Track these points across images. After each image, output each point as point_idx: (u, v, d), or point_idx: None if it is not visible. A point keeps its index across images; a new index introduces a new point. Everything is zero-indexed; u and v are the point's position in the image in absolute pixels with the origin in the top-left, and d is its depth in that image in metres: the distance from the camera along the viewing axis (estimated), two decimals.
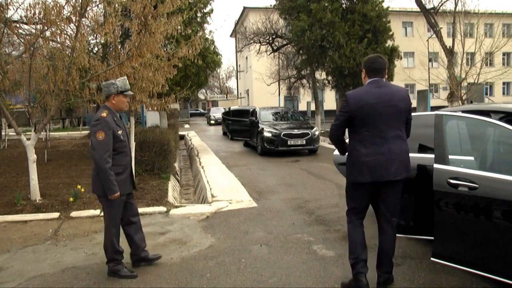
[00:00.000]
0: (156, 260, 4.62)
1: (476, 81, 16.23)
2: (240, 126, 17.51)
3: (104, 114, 4.18)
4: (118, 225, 4.36)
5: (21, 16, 8.21)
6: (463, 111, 4.46)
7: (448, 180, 3.58)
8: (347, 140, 3.95)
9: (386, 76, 3.85)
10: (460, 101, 16.44)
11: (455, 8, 20.94)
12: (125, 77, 4.53)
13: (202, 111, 60.07)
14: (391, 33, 18.57)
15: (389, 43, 18.62)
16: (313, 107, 25.55)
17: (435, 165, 3.71)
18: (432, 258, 3.75)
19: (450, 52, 21.42)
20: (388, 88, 3.69)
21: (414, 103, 22.36)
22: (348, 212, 3.91)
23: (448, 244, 3.66)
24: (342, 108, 3.71)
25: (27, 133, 10.34)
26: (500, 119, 4.10)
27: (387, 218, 3.76)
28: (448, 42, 22.30)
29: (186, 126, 36.57)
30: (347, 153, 3.85)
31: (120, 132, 4.24)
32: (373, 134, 3.59)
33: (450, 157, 3.74)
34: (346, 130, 3.79)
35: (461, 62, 16.23)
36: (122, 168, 4.26)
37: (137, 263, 4.56)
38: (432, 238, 3.81)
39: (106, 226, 4.33)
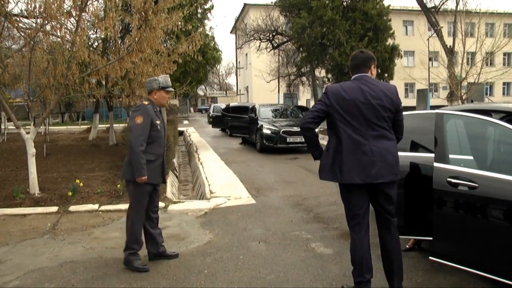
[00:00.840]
0: (173, 258, 4.61)
1: (476, 81, 16.24)
2: (239, 122, 17.54)
3: (146, 103, 4.41)
4: (141, 214, 4.40)
5: (21, 10, 8.20)
6: (464, 110, 4.46)
7: (448, 179, 3.57)
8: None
9: (374, 73, 3.63)
10: (460, 101, 16.45)
11: (456, 7, 20.95)
12: (167, 75, 4.80)
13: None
14: (391, 31, 18.57)
15: (390, 41, 18.62)
16: (312, 105, 25.52)
17: (435, 164, 3.70)
18: (430, 257, 3.75)
19: (450, 52, 21.43)
20: (372, 84, 3.46)
21: (413, 102, 22.35)
22: (351, 224, 3.57)
23: (447, 243, 3.66)
24: (321, 99, 3.55)
25: (27, 127, 10.32)
26: (500, 119, 4.10)
27: (388, 223, 3.56)
28: (448, 41, 22.31)
29: (185, 122, 36.55)
30: (325, 152, 3.61)
31: (158, 122, 4.40)
32: (353, 133, 3.38)
33: (450, 156, 3.74)
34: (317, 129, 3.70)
35: (462, 62, 16.23)
36: (155, 157, 4.38)
37: (156, 259, 4.57)
38: (430, 238, 3.81)
39: (129, 214, 4.42)
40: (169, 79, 4.66)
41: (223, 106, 24.91)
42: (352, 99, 3.38)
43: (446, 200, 3.62)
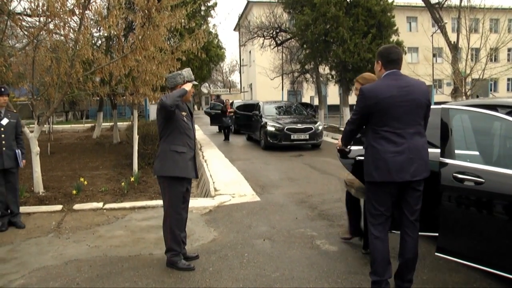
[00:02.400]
0: (193, 259, 4.52)
1: (481, 76, 16.15)
2: (246, 120, 17.60)
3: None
4: (178, 212, 4.32)
5: (24, 8, 8.20)
6: (469, 105, 4.42)
7: (454, 174, 3.54)
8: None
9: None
10: (464, 97, 16.37)
11: (460, 3, 20.80)
12: (189, 68, 4.59)
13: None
14: (395, 28, 18.47)
15: (394, 38, 18.53)
16: (316, 102, 25.50)
17: (441, 159, 3.67)
18: (436, 253, 3.72)
19: (454, 48, 21.30)
20: (407, 80, 3.45)
21: None
22: (372, 223, 3.50)
23: (452, 239, 3.63)
24: (358, 103, 3.48)
25: (30, 125, 10.33)
26: (507, 114, 4.06)
27: (411, 223, 3.51)
28: (452, 37, 22.17)
29: None
30: (364, 152, 3.55)
31: (183, 113, 4.32)
32: (391, 131, 3.34)
33: (456, 151, 3.70)
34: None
35: (466, 58, 16.14)
36: (186, 148, 4.29)
37: None
38: (435, 234, 3.78)
39: (166, 213, 4.33)
40: (192, 73, 4.55)
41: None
42: (390, 97, 3.34)
43: (452, 195, 3.59)
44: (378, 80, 3.58)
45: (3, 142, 5.73)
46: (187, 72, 4.43)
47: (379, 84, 3.46)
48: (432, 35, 25.08)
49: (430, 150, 3.94)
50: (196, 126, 22.07)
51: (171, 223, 4.28)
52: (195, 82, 4.55)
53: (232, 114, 17.99)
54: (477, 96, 15.44)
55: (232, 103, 22.53)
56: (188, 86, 4.28)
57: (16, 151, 5.86)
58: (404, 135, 3.35)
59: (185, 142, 4.29)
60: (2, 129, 5.76)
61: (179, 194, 4.29)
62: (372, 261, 3.50)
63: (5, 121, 5.80)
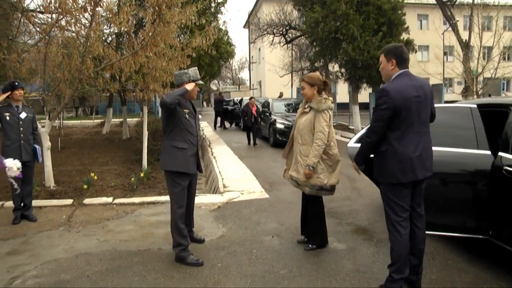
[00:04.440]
0: (200, 243, 4.83)
1: (493, 75, 16.00)
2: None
3: None
4: (180, 205, 4.42)
5: (37, 5, 8.27)
6: (482, 105, 4.42)
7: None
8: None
9: None
10: (475, 96, 16.23)
11: (473, 0, 20.60)
12: (196, 67, 4.76)
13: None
14: (406, 26, 18.32)
15: (404, 36, 18.38)
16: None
17: (502, 154, 3.93)
18: (504, 245, 3.84)
19: (466, 46, 21.12)
20: (418, 80, 3.49)
21: None
22: (397, 221, 3.46)
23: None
24: (383, 104, 3.33)
25: (42, 121, 10.42)
26: None
27: (419, 215, 3.59)
28: (464, 35, 21.97)
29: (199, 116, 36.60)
30: (383, 154, 3.45)
31: (185, 110, 4.45)
32: (411, 130, 3.37)
33: None
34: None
35: (478, 56, 16.00)
36: (187, 145, 4.43)
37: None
38: (482, 237, 4.00)
39: (171, 208, 4.45)
40: (198, 72, 4.71)
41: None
42: (410, 97, 3.34)
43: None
44: (395, 79, 3.49)
45: (22, 135, 5.82)
46: (193, 71, 4.59)
47: (400, 83, 3.41)
48: (443, 33, 24.91)
49: (478, 151, 4.15)
50: (205, 123, 22.17)
51: (175, 217, 4.38)
52: (201, 82, 4.71)
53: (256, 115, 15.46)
54: (489, 95, 15.29)
55: (241, 100, 22.55)
56: (189, 86, 4.42)
57: (36, 146, 5.97)
58: (421, 134, 3.43)
59: (186, 138, 4.42)
60: (21, 122, 5.85)
61: (180, 188, 4.40)
62: (397, 259, 3.48)
63: (23, 115, 5.89)
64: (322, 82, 4.55)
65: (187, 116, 4.45)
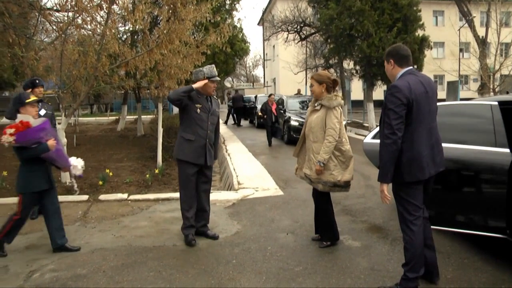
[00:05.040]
0: (214, 239, 4.95)
1: (511, 72, 15.76)
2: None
3: None
4: (185, 192, 4.86)
5: (54, 4, 8.36)
6: (503, 102, 4.36)
7: None
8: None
9: None
10: (492, 93, 16.01)
11: None
12: (213, 65, 5.06)
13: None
14: (421, 22, 18.12)
15: (419, 32, 18.18)
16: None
17: None
18: None
19: (483, 42, 20.80)
20: (424, 76, 3.52)
21: (443, 95, 21.71)
22: (412, 219, 3.44)
23: None
24: (397, 101, 3.27)
25: (57, 117, 10.54)
26: None
27: (424, 210, 3.59)
28: (481, 31, 21.65)
29: None
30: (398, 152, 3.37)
31: (197, 105, 4.79)
32: (424, 127, 3.37)
33: None
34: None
35: (496, 53, 15.76)
36: (195, 136, 4.79)
37: (197, 235, 4.98)
38: (500, 236, 3.93)
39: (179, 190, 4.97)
40: (215, 69, 4.95)
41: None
42: (420, 93, 3.36)
43: None
44: (401, 77, 3.46)
45: None
46: (207, 69, 4.87)
47: (410, 80, 3.38)
48: (459, 30, 24.58)
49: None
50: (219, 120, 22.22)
51: (181, 201, 4.92)
52: (216, 78, 4.92)
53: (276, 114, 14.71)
54: (507, 92, 15.06)
55: (255, 97, 22.53)
56: (198, 84, 4.73)
57: None
58: (431, 130, 3.46)
59: (195, 131, 4.79)
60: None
61: (186, 176, 4.81)
62: (411, 258, 3.46)
63: (43, 112, 5.97)
64: (331, 80, 4.57)
65: (198, 110, 4.78)
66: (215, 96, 5.24)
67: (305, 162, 4.70)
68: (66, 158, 4.65)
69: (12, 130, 4.04)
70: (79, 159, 4.65)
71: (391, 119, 3.29)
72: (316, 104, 4.63)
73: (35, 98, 4.51)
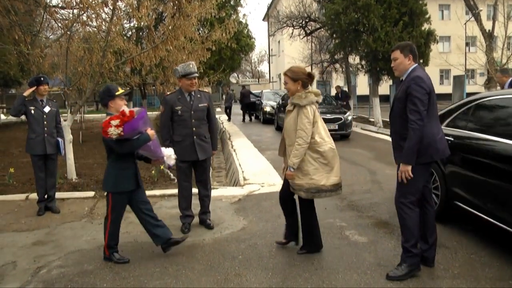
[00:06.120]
0: (208, 228, 5.18)
1: None
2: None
3: (168, 93, 5.38)
4: (182, 184, 5.17)
5: (59, 1, 8.39)
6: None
7: None
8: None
9: None
10: (499, 87, 15.86)
11: None
12: (189, 62, 5.12)
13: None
14: (427, 16, 17.99)
15: (426, 26, 18.04)
16: (344, 91, 25.18)
17: None
18: None
19: (489, 36, 20.59)
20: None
21: (449, 89, 21.55)
22: (413, 200, 3.73)
23: None
24: (422, 90, 3.57)
25: (63, 114, 10.60)
26: None
27: (429, 189, 4.00)
28: (487, 25, 21.44)
29: (218, 109, 36.74)
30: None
31: (178, 108, 4.96)
32: (435, 115, 3.78)
33: None
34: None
35: (503, 47, 15.61)
36: (181, 137, 5.01)
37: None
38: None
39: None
40: (191, 66, 4.96)
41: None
42: (432, 85, 3.70)
43: None
44: (415, 70, 3.74)
45: (46, 129, 5.93)
46: (181, 67, 4.97)
47: (424, 73, 3.71)
48: (465, 23, 24.38)
49: None
50: (224, 116, 22.10)
51: (178, 193, 5.26)
52: (192, 75, 4.94)
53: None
54: None
55: (261, 92, 22.45)
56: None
57: (59, 140, 6.08)
58: (437, 117, 3.85)
59: (180, 132, 5.02)
60: (45, 116, 5.96)
61: (181, 171, 5.14)
62: (411, 235, 3.74)
63: (47, 109, 6.00)
64: (306, 76, 4.18)
65: (179, 112, 4.97)
66: (207, 90, 5.56)
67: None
68: (159, 149, 4.41)
69: (117, 122, 3.79)
70: (169, 148, 4.56)
71: (419, 106, 3.57)
72: (289, 104, 4.25)
73: (122, 90, 4.32)
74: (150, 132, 4.09)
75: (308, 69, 22.80)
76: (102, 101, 4.28)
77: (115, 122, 3.78)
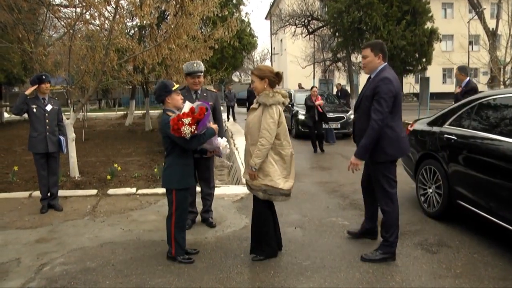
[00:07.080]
0: (210, 226, 5.17)
1: None
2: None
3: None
4: None
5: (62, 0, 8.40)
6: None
7: None
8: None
9: None
10: (502, 86, 15.84)
11: None
12: (194, 61, 5.20)
13: None
14: (430, 14, 17.98)
15: (428, 25, 18.05)
16: (345, 89, 25.14)
17: None
18: None
19: (493, 35, 20.57)
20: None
21: (451, 88, 21.53)
22: (392, 193, 4.07)
23: None
24: (389, 92, 3.81)
25: (66, 113, 10.62)
26: None
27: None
28: (491, 24, 21.39)
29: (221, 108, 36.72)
30: (383, 136, 3.94)
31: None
32: (400, 115, 3.98)
33: None
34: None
35: (506, 45, 15.57)
36: None
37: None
38: None
39: None
40: (195, 64, 5.02)
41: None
42: (399, 86, 3.90)
43: None
44: (384, 70, 3.96)
45: (48, 127, 5.93)
46: (185, 66, 5.09)
47: (392, 73, 3.91)
48: (468, 22, 24.34)
49: None
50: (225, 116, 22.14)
51: None
52: (195, 74, 5.00)
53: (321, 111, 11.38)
54: None
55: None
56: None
57: (61, 138, 6.08)
58: (401, 118, 4.08)
59: None
60: (47, 114, 5.97)
61: None
62: (393, 227, 4.11)
63: (49, 107, 6.00)
64: (273, 74, 4.07)
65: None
66: (213, 89, 5.50)
67: (246, 166, 4.20)
68: (215, 139, 4.35)
69: (189, 120, 3.70)
70: (224, 138, 4.51)
71: (383, 107, 3.82)
72: (255, 102, 4.15)
73: (178, 85, 4.28)
74: (214, 126, 4.12)
75: (311, 68, 22.73)
76: (159, 97, 4.13)
77: (187, 120, 3.71)
